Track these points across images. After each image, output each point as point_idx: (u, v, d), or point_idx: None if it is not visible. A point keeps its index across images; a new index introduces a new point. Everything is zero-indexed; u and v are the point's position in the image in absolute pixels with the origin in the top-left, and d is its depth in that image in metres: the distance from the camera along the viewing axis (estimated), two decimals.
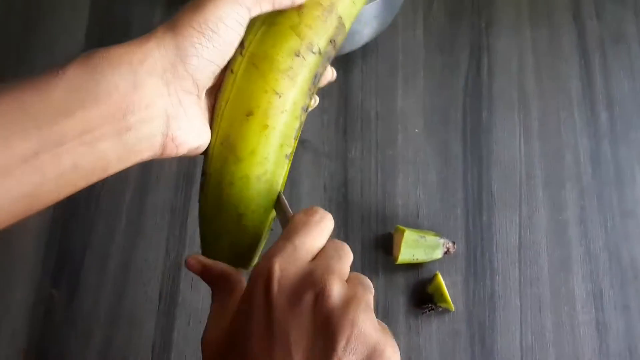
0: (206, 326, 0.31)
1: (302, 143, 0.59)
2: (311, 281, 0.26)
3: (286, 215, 0.34)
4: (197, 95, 0.30)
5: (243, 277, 0.31)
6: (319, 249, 0.29)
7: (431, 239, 0.54)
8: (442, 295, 0.53)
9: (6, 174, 0.24)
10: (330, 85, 0.61)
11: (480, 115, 0.61)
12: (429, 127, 0.60)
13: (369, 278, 0.55)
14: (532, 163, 0.59)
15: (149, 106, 0.27)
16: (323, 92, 0.61)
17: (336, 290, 0.26)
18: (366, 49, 0.62)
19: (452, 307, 0.53)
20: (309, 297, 0.26)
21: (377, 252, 0.56)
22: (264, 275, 0.27)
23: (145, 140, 0.28)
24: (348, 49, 0.60)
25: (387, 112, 0.61)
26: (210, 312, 0.31)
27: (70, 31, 0.63)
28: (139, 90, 0.27)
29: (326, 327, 0.25)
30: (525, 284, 0.55)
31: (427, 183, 0.58)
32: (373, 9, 0.54)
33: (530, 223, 0.57)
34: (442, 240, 0.54)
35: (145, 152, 0.28)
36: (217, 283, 0.32)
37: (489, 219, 0.57)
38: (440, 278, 0.54)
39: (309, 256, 0.28)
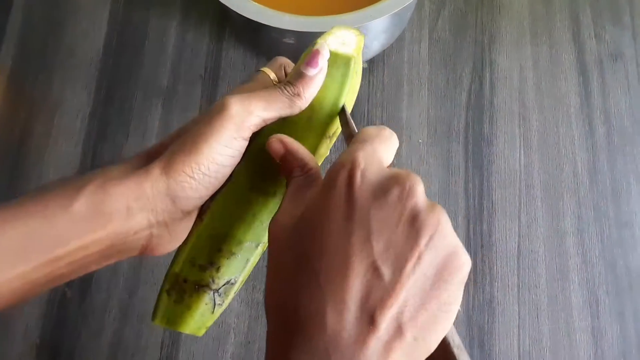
0: (278, 211, 0.30)
1: None
2: (396, 178, 0.27)
3: (352, 130, 0.33)
4: (182, 217, 0.32)
5: (320, 172, 0.31)
6: (389, 163, 0.30)
7: None
8: None
9: (6, 288, 0.28)
10: None
11: (482, 127, 0.63)
12: (432, 138, 0.62)
13: None
14: (532, 174, 0.61)
15: (136, 234, 0.30)
16: None
17: (421, 191, 0.27)
18: (373, 62, 0.65)
19: None
20: (395, 192, 0.26)
21: None
22: (348, 166, 0.27)
23: (124, 253, 0.31)
24: None
25: (392, 123, 0.63)
26: (284, 199, 0.31)
27: (90, 36, 0.65)
28: (129, 222, 0.30)
29: (412, 222, 0.26)
30: (523, 290, 0.57)
31: (429, 192, 0.60)
32: (382, 24, 0.56)
33: (529, 232, 0.59)
34: None
35: (122, 258, 0.32)
36: (295, 172, 0.31)
37: (489, 227, 0.59)
38: None
39: (386, 163, 0.30)
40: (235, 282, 0.35)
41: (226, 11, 0.53)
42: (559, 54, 0.66)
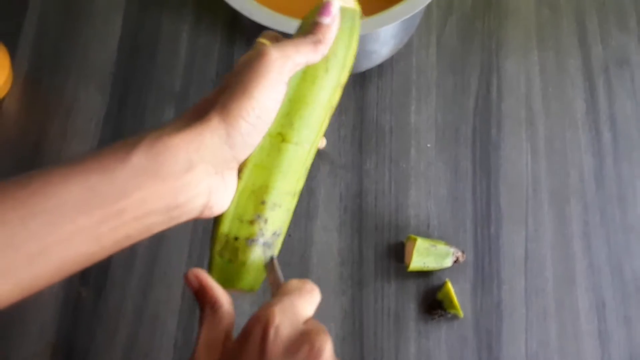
0: (195, 351, 0.32)
1: (320, 155, 0.62)
2: (308, 337, 0.29)
3: (278, 279, 0.36)
4: (235, 168, 0.34)
5: (233, 311, 0.33)
6: (309, 317, 0.32)
7: (442, 247, 0.57)
8: (451, 302, 0.56)
9: (68, 243, 0.28)
10: (347, 101, 0.64)
11: (490, 132, 0.64)
12: (441, 142, 0.63)
13: (381, 284, 0.58)
14: (539, 179, 0.62)
15: (196, 186, 0.31)
16: (340, 108, 0.64)
17: (329, 351, 0.29)
18: (382, 67, 0.66)
19: (461, 313, 0.56)
20: (305, 350, 0.29)
21: (390, 259, 0.59)
22: (264, 321, 0.30)
23: (187, 212, 0.32)
24: (365, 67, 0.63)
25: (400, 128, 0.64)
26: (198, 337, 0.32)
27: (104, 40, 0.66)
28: (190, 173, 0.30)
29: None
30: (530, 294, 0.58)
31: (438, 195, 0.61)
32: (391, 30, 0.57)
33: (536, 236, 0.60)
34: (452, 249, 0.57)
35: (185, 218, 0.32)
36: (207, 308, 0.33)
37: (497, 231, 0.60)
38: (449, 285, 0.56)
39: (302, 318, 0.32)
40: (280, 233, 0.37)
41: (237, 16, 0.54)
42: (565, 60, 0.67)
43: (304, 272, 0.58)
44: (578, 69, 0.66)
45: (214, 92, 0.34)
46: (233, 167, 0.33)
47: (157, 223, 0.31)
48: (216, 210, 0.33)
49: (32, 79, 0.65)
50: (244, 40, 0.67)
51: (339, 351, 0.55)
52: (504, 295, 0.58)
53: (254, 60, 0.32)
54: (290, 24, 0.53)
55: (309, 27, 0.35)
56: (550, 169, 0.62)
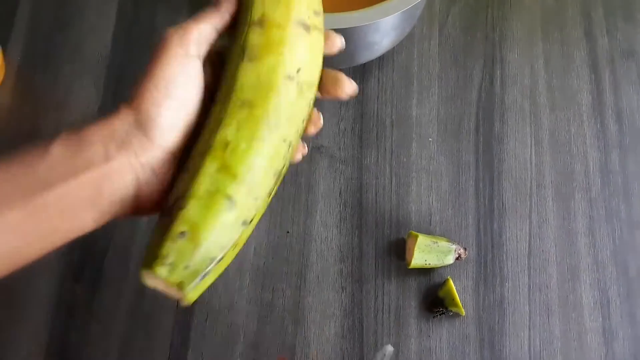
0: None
1: (319, 148, 0.61)
2: None
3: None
4: (170, 158, 0.32)
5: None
6: None
7: (443, 244, 0.56)
8: (453, 299, 0.55)
9: None
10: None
11: (493, 125, 0.62)
12: (443, 136, 0.62)
13: (382, 281, 0.57)
14: (543, 173, 0.61)
15: (120, 175, 0.30)
16: (340, 101, 0.63)
17: None
18: (383, 59, 0.64)
19: (463, 311, 0.55)
20: None
21: (390, 256, 0.58)
22: None
23: (117, 204, 0.31)
24: (365, 58, 0.62)
25: (401, 121, 0.62)
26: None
27: (98, 32, 0.65)
28: (109, 163, 0.30)
29: None
30: (534, 290, 0.57)
31: (440, 190, 0.60)
32: (393, 21, 0.56)
33: (540, 232, 0.59)
34: (454, 246, 0.56)
35: (119, 213, 0.31)
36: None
37: (500, 227, 0.59)
38: (451, 283, 0.55)
39: None
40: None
41: None
42: (570, 51, 0.65)
43: (302, 269, 0.57)
44: (583, 60, 0.65)
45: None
46: (161, 157, 0.31)
47: (86, 215, 0.30)
48: (150, 207, 0.32)
49: (25, 73, 0.64)
50: None
51: (338, 349, 0.55)
52: (506, 292, 0.57)
53: (155, 45, 0.32)
54: None
55: None
56: (555, 163, 0.61)
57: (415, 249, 0.55)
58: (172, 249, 0.29)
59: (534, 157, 0.61)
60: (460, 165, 0.61)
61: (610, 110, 0.63)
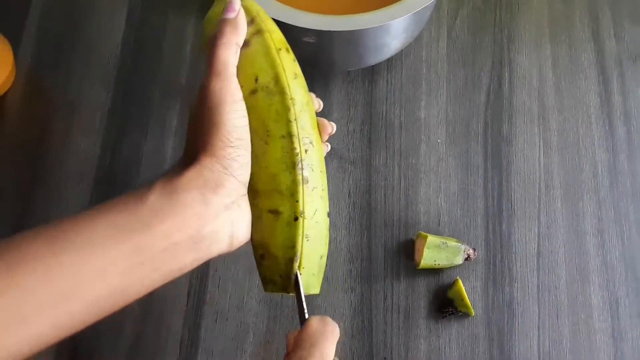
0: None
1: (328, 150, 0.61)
2: None
3: (302, 305, 0.37)
4: (245, 193, 0.36)
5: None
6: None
7: (452, 245, 0.56)
8: (462, 300, 0.55)
9: (99, 277, 0.29)
10: (356, 95, 0.63)
11: (501, 127, 0.63)
12: (451, 137, 0.62)
13: (391, 282, 0.57)
14: (551, 174, 0.61)
15: (217, 216, 0.33)
16: (349, 102, 0.63)
17: None
18: (391, 61, 0.64)
19: (472, 311, 0.55)
20: None
21: (400, 257, 0.58)
22: None
23: (215, 244, 0.33)
24: (374, 61, 0.62)
25: (410, 122, 0.63)
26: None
27: (108, 34, 0.65)
28: (208, 207, 0.32)
29: None
30: (543, 291, 0.57)
31: (448, 191, 0.60)
32: (403, 23, 0.56)
33: (549, 233, 0.59)
34: (463, 247, 0.56)
35: (216, 252, 0.34)
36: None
37: (509, 228, 0.59)
38: (460, 283, 0.55)
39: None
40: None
41: None
42: (578, 54, 0.66)
43: None
44: (591, 63, 0.65)
45: (190, 132, 0.36)
46: (243, 192, 0.35)
47: (186, 256, 0.32)
48: (241, 239, 0.35)
49: (35, 74, 0.64)
50: None
51: (347, 349, 0.55)
52: (515, 293, 0.57)
53: (205, 99, 0.34)
54: (297, 17, 0.52)
55: (219, 25, 0.37)
56: (563, 165, 0.61)
57: (425, 249, 0.55)
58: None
59: (542, 158, 0.61)
60: (469, 166, 0.61)
61: (618, 112, 0.63)
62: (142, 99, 0.63)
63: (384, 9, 0.52)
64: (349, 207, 0.59)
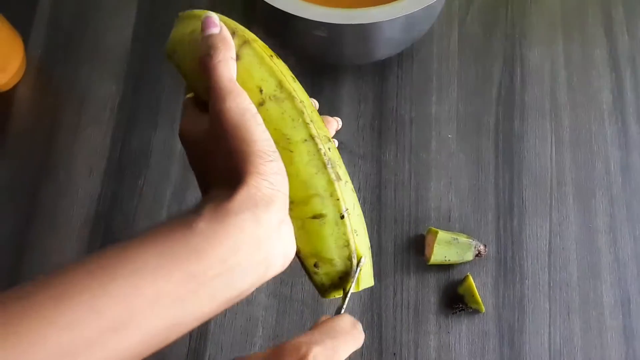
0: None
1: (338, 144, 0.61)
2: None
3: (347, 298, 0.37)
4: (287, 205, 0.34)
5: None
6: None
7: (463, 241, 0.55)
8: (473, 296, 0.54)
9: (151, 308, 0.28)
10: (366, 90, 0.63)
11: (513, 123, 0.62)
12: (462, 133, 0.62)
13: (401, 277, 0.57)
14: (563, 171, 0.60)
15: (272, 236, 0.31)
16: (359, 97, 0.63)
17: None
18: (402, 56, 0.64)
19: (483, 308, 0.54)
20: None
21: (410, 252, 0.57)
22: (297, 355, 0.30)
23: (272, 265, 0.32)
24: (385, 55, 0.62)
25: (421, 118, 0.62)
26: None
27: (118, 27, 0.65)
28: (262, 226, 0.31)
29: None
30: (554, 288, 0.56)
31: (459, 187, 0.60)
32: (414, 17, 0.55)
33: (560, 230, 0.58)
34: (474, 243, 0.56)
35: (272, 274, 0.32)
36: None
37: (520, 224, 0.58)
38: (471, 280, 0.55)
39: None
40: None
41: (254, 2, 0.53)
42: (591, 50, 0.65)
43: None
44: (604, 59, 0.65)
45: (210, 161, 0.35)
46: (287, 206, 0.34)
47: (243, 282, 0.31)
48: (290, 255, 0.34)
49: (46, 67, 0.64)
50: (261, 28, 0.65)
51: None
52: (526, 290, 0.56)
53: (224, 121, 0.33)
54: (309, 10, 0.52)
55: (205, 43, 0.35)
56: (575, 161, 0.61)
57: (435, 245, 0.55)
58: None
59: (554, 154, 0.61)
60: (480, 162, 0.61)
61: (631, 109, 0.63)
62: (151, 92, 0.63)
63: (394, 3, 0.52)
64: (359, 202, 0.59)
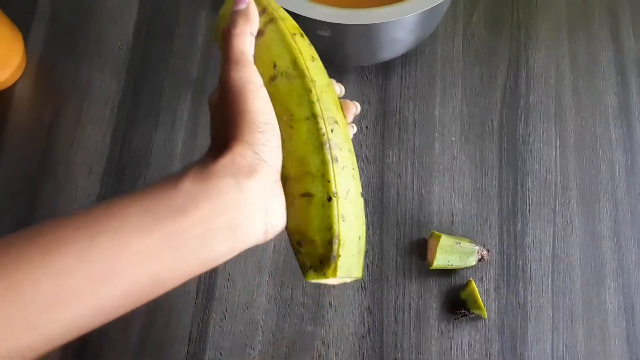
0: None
1: None
2: None
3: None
4: (279, 179, 0.35)
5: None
6: None
7: (466, 245, 0.55)
8: (475, 301, 0.54)
9: (134, 262, 0.29)
10: (369, 91, 0.62)
11: (517, 126, 0.61)
12: (466, 135, 0.61)
13: (402, 282, 0.56)
14: (567, 175, 0.60)
15: (252, 204, 0.33)
16: (363, 98, 0.62)
17: None
18: (406, 57, 0.63)
19: (485, 314, 0.54)
20: None
21: (412, 256, 0.57)
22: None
23: (251, 233, 0.33)
24: (388, 56, 0.61)
25: (424, 119, 0.62)
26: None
27: (120, 24, 0.64)
28: (243, 192, 0.32)
29: None
30: (557, 294, 0.56)
31: (462, 191, 0.59)
32: (419, 18, 0.55)
33: (564, 235, 0.58)
34: (477, 248, 0.55)
35: (253, 241, 0.33)
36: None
37: (523, 229, 0.58)
38: (474, 285, 0.54)
39: None
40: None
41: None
42: (596, 53, 0.64)
43: None
44: (610, 62, 0.64)
45: (214, 125, 0.37)
46: (276, 178, 0.35)
47: (223, 244, 0.32)
48: (276, 227, 0.35)
49: (46, 64, 0.63)
50: None
51: (357, 349, 0.54)
52: (530, 296, 0.56)
53: (227, 89, 0.34)
54: (313, 10, 0.51)
55: (231, 16, 0.37)
56: (580, 165, 0.60)
57: (438, 249, 0.54)
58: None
59: (558, 158, 0.60)
60: (484, 165, 0.60)
61: (636, 113, 0.62)
62: (153, 90, 0.62)
63: (400, 3, 0.51)
64: (362, 194, 0.58)
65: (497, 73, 0.63)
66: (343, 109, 0.39)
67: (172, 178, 0.32)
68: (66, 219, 0.30)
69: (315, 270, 0.36)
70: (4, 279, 0.27)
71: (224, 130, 0.34)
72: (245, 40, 0.36)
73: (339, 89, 0.42)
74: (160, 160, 0.60)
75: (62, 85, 0.62)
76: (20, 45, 0.62)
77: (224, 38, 0.36)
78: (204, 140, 0.60)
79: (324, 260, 0.35)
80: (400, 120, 0.62)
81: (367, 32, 0.55)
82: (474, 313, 0.54)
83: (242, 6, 0.37)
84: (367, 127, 0.61)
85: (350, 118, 0.40)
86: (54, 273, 0.28)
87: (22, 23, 0.63)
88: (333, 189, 0.35)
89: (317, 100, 0.36)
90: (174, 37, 0.64)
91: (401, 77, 0.63)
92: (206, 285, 0.56)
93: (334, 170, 0.35)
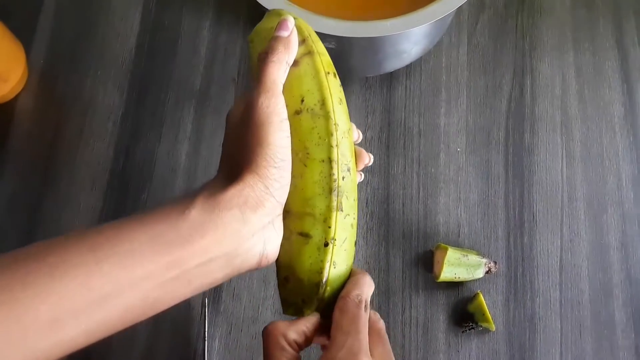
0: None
1: None
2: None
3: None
4: (281, 212, 0.35)
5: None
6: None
7: (473, 258, 0.54)
8: (483, 314, 0.53)
9: (136, 287, 0.30)
10: (374, 102, 0.62)
11: (523, 136, 0.61)
12: (471, 146, 0.61)
13: (409, 294, 0.56)
14: (574, 186, 0.59)
15: (254, 236, 0.33)
16: (367, 109, 0.62)
17: None
18: (411, 68, 0.63)
19: (493, 326, 0.53)
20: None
21: (418, 268, 0.56)
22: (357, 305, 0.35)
23: (247, 261, 0.33)
24: (393, 67, 0.61)
25: (429, 130, 0.61)
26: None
27: (122, 36, 0.64)
28: (247, 225, 0.32)
29: None
30: (566, 306, 0.55)
31: (468, 202, 0.59)
32: (425, 29, 0.54)
33: (572, 246, 0.57)
34: (484, 260, 0.55)
35: (246, 268, 0.34)
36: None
37: (530, 240, 0.57)
38: (482, 298, 0.54)
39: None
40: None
41: (261, 12, 0.52)
42: (602, 62, 0.64)
43: None
44: (615, 71, 0.64)
45: (229, 145, 0.36)
46: (279, 212, 0.35)
47: (219, 272, 0.32)
48: (270, 258, 0.35)
49: (48, 76, 0.63)
50: None
51: None
52: (537, 308, 0.55)
53: (252, 114, 0.34)
54: (318, 22, 0.51)
55: (271, 41, 0.36)
56: (587, 176, 0.60)
57: (445, 262, 0.54)
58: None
59: (565, 169, 0.60)
60: (490, 176, 0.60)
61: None
62: (156, 103, 0.62)
63: (406, 15, 0.51)
64: (366, 216, 0.58)
65: (502, 83, 0.63)
66: (356, 156, 0.39)
67: (180, 204, 0.32)
68: (76, 238, 0.30)
69: (295, 308, 0.37)
70: (9, 302, 0.27)
71: (238, 153, 0.34)
72: (280, 69, 0.36)
73: (357, 134, 0.42)
74: (164, 173, 0.59)
75: (64, 98, 0.62)
76: (22, 58, 0.61)
77: (259, 62, 0.36)
78: (207, 153, 0.60)
79: (306, 300, 0.36)
80: (405, 130, 0.61)
81: (372, 44, 0.54)
82: (481, 326, 0.54)
83: (284, 33, 0.37)
84: (372, 138, 0.61)
85: (361, 167, 0.40)
86: (57, 297, 0.28)
87: (24, 36, 0.63)
88: (332, 235, 0.35)
89: (337, 145, 0.35)
90: (177, 49, 0.64)
91: (406, 87, 0.63)
92: (211, 299, 0.55)
93: (336, 218, 0.35)
